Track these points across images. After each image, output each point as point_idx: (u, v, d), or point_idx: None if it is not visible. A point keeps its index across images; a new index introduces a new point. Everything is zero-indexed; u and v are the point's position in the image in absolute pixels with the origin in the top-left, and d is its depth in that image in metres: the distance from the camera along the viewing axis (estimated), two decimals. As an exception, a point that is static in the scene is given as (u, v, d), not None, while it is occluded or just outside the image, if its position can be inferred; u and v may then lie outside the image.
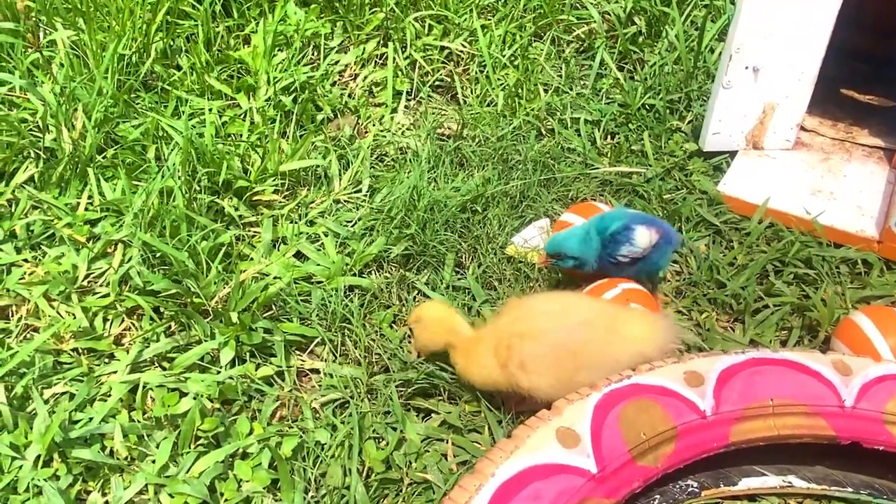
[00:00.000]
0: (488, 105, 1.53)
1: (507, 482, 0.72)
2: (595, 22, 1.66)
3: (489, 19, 1.68)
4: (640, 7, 1.69)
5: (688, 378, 0.82)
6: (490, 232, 1.22)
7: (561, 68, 1.61)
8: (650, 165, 1.36)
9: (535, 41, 1.67)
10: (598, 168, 1.36)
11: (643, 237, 1.03)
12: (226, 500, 0.85)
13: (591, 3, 1.69)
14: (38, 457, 0.84)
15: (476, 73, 1.60)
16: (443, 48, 1.64)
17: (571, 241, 1.05)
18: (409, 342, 1.04)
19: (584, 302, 0.97)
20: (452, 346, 0.97)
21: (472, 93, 1.57)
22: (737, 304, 1.12)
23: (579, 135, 1.45)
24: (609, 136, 1.48)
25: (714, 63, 1.58)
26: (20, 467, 0.84)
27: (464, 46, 1.63)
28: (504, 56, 1.59)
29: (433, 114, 1.51)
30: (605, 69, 1.60)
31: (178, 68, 1.50)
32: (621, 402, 0.80)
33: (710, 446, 0.80)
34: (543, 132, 1.48)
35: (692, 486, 0.86)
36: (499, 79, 1.57)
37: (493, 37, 1.62)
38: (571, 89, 1.56)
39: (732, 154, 1.38)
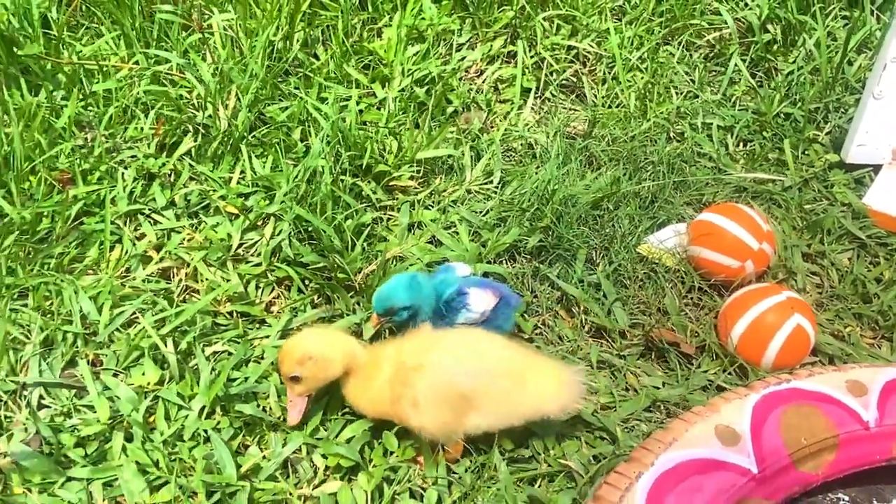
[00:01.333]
0: (616, 106, 1.52)
1: (666, 472, 0.72)
2: (728, 28, 1.64)
3: (617, 21, 1.68)
4: (775, 15, 1.65)
5: (850, 387, 0.80)
6: (622, 230, 1.22)
7: (691, 73, 1.59)
8: (787, 174, 1.33)
9: (664, 45, 1.66)
10: (732, 174, 1.34)
11: (479, 301, 0.97)
12: (374, 465, 0.88)
13: (726, 9, 1.66)
14: (203, 408, 0.90)
15: (603, 73, 1.59)
16: (570, 48, 1.64)
17: (398, 291, 0.95)
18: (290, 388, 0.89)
19: (498, 347, 0.90)
20: (349, 373, 0.88)
21: (598, 93, 1.57)
22: (884, 321, 1.08)
23: (711, 140, 1.43)
24: (742, 143, 1.45)
25: (854, 75, 1.53)
26: (186, 416, 0.89)
27: (591, 47, 1.63)
28: (633, 58, 1.59)
29: (561, 113, 1.52)
30: (737, 76, 1.58)
31: (316, 57, 1.56)
32: (781, 405, 0.78)
33: (871, 459, 0.78)
34: (672, 135, 1.46)
35: (843, 500, 0.83)
36: (628, 80, 1.56)
37: (622, 38, 1.62)
38: (701, 94, 1.54)
39: (875, 168, 1.33)
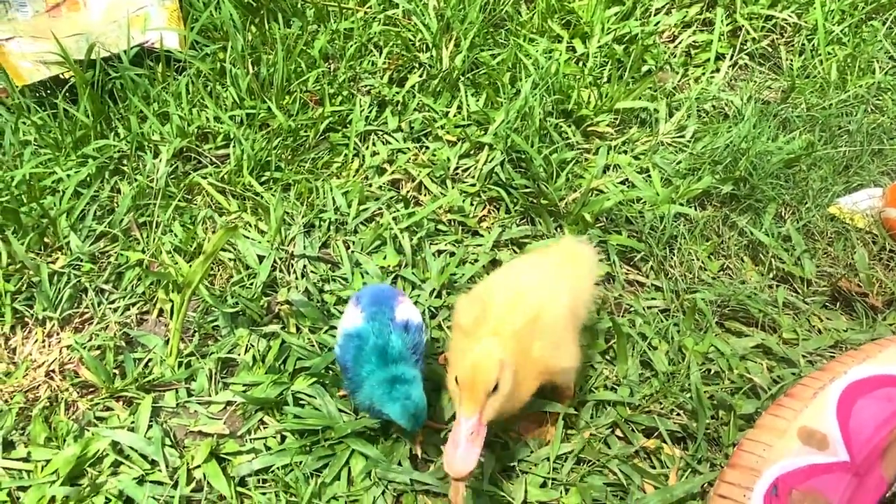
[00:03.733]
0: (814, 77, 1.54)
1: (859, 381, 0.79)
2: (942, 6, 1.60)
3: (820, -6, 1.68)
4: None
5: None
6: (813, 191, 1.26)
7: (895, 50, 1.58)
8: None
9: (867, 21, 1.65)
10: (934, 148, 1.34)
11: (413, 313, 0.89)
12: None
13: (941, -13, 1.62)
14: (433, 290, 1.06)
15: (801, 45, 1.61)
16: (768, 17, 1.67)
17: (418, 394, 0.80)
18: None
19: (536, 256, 0.94)
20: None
21: (794, 63, 1.60)
22: None
23: (912, 115, 1.43)
24: (946, 121, 1.43)
25: None
26: (419, 295, 1.07)
27: (791, 17, 1.65)
28: (836, 30, 1.59)
29: (756, 81, 1.56)
30: (947, 55, 1.54)
31: (520, 14, 1.69)
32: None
33: None
34: (871, 109, 1.47)
35: None
36: (828, 52, 1.57)
37: (825, 11, 1.62)
38: (905, 71, 1.53)
39: None
